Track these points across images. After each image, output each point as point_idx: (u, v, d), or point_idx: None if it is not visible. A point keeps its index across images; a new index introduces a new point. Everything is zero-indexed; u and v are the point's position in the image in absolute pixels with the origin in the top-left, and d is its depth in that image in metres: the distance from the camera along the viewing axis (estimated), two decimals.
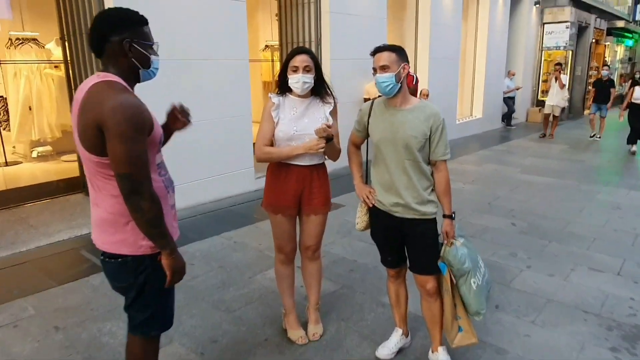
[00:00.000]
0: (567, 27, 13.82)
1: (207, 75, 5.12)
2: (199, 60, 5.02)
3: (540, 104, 14.39)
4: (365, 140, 2.56)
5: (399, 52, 2.25)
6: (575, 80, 15.57)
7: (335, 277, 3.58)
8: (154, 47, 1.70)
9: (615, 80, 19.09)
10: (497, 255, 4.03)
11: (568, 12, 13.82)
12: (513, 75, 12.63)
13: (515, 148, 9.58)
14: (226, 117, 5.38)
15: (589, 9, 15.63)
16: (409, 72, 2.27)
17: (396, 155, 2.28)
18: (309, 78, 2.42)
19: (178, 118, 1.95)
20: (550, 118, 10.72)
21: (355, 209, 2.63)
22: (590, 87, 11.97)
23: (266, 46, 9.91)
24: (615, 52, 20.90)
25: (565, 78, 10.82)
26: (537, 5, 13.68)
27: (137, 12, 1.66)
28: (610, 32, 18.56)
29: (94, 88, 1.53)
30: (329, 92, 2.54)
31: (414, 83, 7.63)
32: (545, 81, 14.35)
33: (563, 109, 11.32)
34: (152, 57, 1.69)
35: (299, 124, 2.46)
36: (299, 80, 2.39)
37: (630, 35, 21.10)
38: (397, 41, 9.89)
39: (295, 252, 2.71)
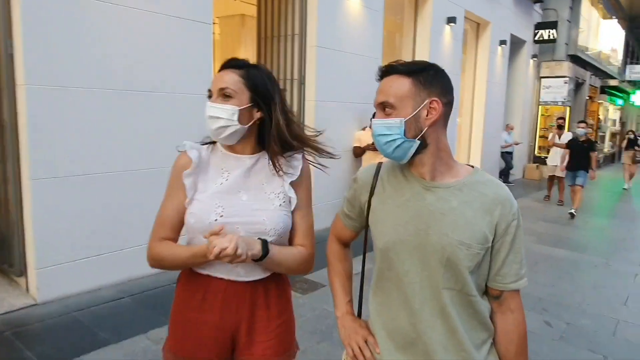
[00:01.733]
0: (565, 82, 13.28)
1: (157, 111, 3.99)
2: (146, 92, 3.90)
3: (538, 160, 13.65)
4: (359, 235, 1.41)
5: (424, 75, 1.14)
6: None
7: None
8: None
9: (601, 140, 18.70)
10: None
11: (566, 67, 13.33)
12: (511, 129, 11.82)
13: (522, 210, 8.42)
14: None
15: (585, 65, 15.24)
16: (439, 116, 1.15)
17: (427, 278, 1.14)
18: (226, 111, 1.29)
19: None
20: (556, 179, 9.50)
21: None
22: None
23: None
24: (607, 111, 20.62)
25: (567, 136, 9.37)
26: (535, 59, 13.15)
27: None
28: (604, 90, 18.26)
29: None
30: (292, 143, 1.38)
31: None
32: (543, 137, 13.64)
33: None
34: None
35: (228, 203, 1.31)
36: (207, 113, 1.32)
37: (621, 95, 20.91)
38: None
39: None
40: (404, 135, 1.12)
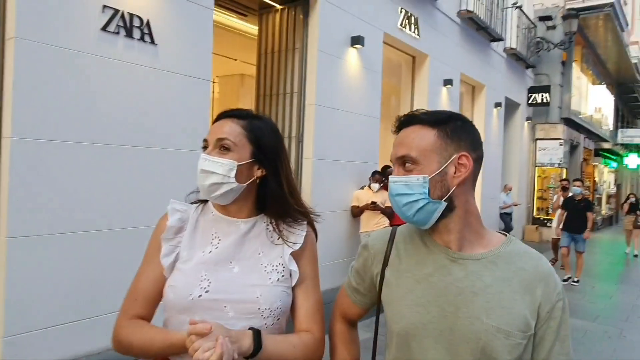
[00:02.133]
0: (560, 144, 13.40)
1: (150, 167, 3.83)
2: (138, 147, 3.76)
3: (537, 222, 13.49)
4: (368, 312, 1.19)
5: (451, 126, 0.98)
6: None
7: None
8: None
9: (597, 202, 18.62)
10: None
11: (560, 130, 13.50)
12: (510, 190, 11.74)
13: None
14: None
15: (578, 128, 15.48)
16: (469, 173, 0.98)
17: None
18: (222, 166, 1.10)
19: None
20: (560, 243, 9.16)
21: None
22: (558, 209, 8.67)
23: None
24: (602, 173, 20.77)
25: None
26: (529, 121, 13.35)
27: None
28: (598, 152, 18.47)
29: None
30: (299, 209, 1.20)
31: None
32: (541, 198, 13.56)
33: None
34: None
35: (216, 276, 1.10)
36: (198, 167, 1.13)
37: (614, 158, 21.16)
38: (391, 144, 9.03)
39: None
40: (428, 195, 0.94)
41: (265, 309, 1.08)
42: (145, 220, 3.68)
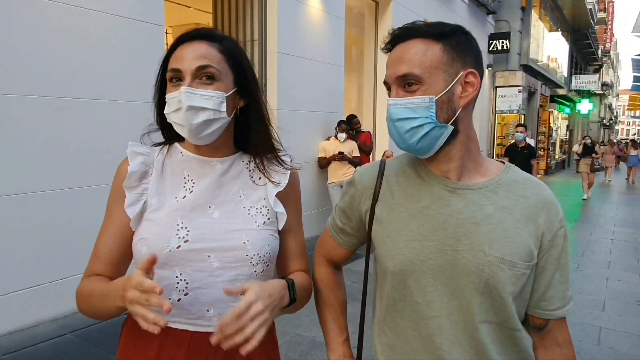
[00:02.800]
0: (519, 91, 13.64)
1: (101, 122, 3.56)
2: (89, 99, 3.48)
3: None
4: (353, 254, 1.12)
5: (457, 39, 0.87)
6: None
7: None
8: None
9: (552, 147, 19.21)
10: None
11: (519, 77, 13.70)
12: None
13: None
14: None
15: (536, 75, 15.77)
16: (476, 93, 0.88)
17: (457, 310, 0.86)
18: (212, 100, 0.94)
19: None
20: None
21: None
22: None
23: None
24: (558, 119, 21.46)
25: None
26: (489, 69, 13.45)
27: None
28: (553, 99, 18.98)
29: None
30: (277, 145, 1.08)
31: (371, 140, 6.49)
32: (500, 145, 13.91)
33: None
34: None
35: (194, 223, 0.97)
36: (179, 103, 0.93)
37: (568, 104, 21.84)
38: (355, 94, 8.88)
39: None
40: (435, 118, 0.84)
41: (254, 255, 0.97)
42: (103, 177, 3.45)
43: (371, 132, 6.79)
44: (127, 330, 1.03)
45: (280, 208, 1.04)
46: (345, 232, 1.06)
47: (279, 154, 1.08)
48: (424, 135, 0.85)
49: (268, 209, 1.03)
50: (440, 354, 0.87)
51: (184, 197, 0.99)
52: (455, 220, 0.87)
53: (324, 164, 5.88)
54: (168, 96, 0.96)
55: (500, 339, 0.88)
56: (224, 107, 0.95)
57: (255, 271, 0.98)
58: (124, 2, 3.65)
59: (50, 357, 2.87)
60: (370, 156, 6.50)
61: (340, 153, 5.64)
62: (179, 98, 0.93)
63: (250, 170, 1.05)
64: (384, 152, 6.70)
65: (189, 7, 7.61)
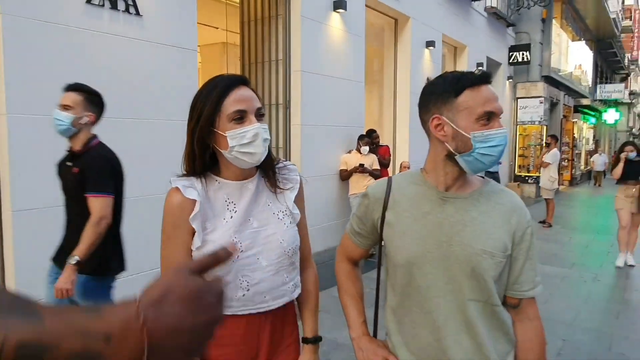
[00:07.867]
0: (540, 102, 13.65)
1: (142, 139, 3.92)
2: (131, 119, 3.83)
3: (518, 179, 13.89)
4: (371, 252, 1.38)
5: None
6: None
7: None
8: None
9: (576, 157, 19.02)
10: None
11: (541, 88, 13.72)
12: None
13: None
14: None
15: (558, 85, 15.73)
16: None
17: (451, 291, 1.13)
18: (268, 132, 1.22)
19: None
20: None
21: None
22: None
23: None
24: (582, 130, 21.22)
25: (552, 155, 8.76)
26: (510, 80, 13.53)
27: None
28: (577, 109, 18.83)
29: None
30: (279, 161, 1.36)
31: (389, 154, 6.72)
32: (522, 156, 13.92)
33: (557, 191, 9.16)
34: None
35: (243, 236, 1.22)
36: (256, 136, 1.17)
37: (593, 114, 21.59)
38: (375, 108, 9.14)
39: None
40: None
41: (290, 249, 1.26)
42: (151, 189, 3.80)
43: (389, 146, 7.02)
44: None
45: (296, 209, 1.32)
46: (361, 234, 1.32)
47: (278, 163, 1.33)
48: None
49: (289, 212, 1.30)
50: (438, 326, 1.13)
51: (231, 217, 1.22)
52: (448, 223, 1.14)
53: (345, 176, 6.13)
54: (236, 131, 1.15)
55: (484, 313, 1.13)
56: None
57: (293, 261, 1.28)
58: (162, 30, 4.02)
59: None
60: (389, 169, 6.73)
61: (361, 165, 5.89)
62: (255, 132, 1.15)
63: (267, 183, 1.30)
64: (401, 163, 6.95)
65: (217, 28, 8.04)
